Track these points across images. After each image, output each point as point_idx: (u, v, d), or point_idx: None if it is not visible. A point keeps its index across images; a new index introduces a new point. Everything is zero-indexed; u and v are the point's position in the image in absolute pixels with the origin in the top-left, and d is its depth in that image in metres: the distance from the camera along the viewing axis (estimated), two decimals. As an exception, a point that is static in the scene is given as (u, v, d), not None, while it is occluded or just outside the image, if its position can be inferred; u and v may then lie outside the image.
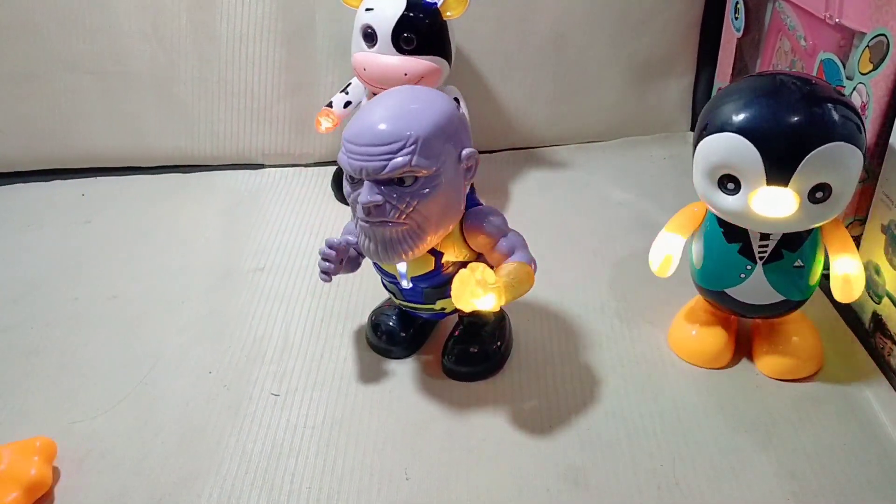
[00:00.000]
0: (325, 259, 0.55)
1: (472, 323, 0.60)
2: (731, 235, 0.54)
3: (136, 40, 0.83)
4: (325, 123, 0.77)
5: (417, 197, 0.49)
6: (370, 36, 0.71)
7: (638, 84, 0.88)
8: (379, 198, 0.49)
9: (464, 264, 0.52)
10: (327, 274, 0.56)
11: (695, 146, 0.52)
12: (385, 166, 0.48)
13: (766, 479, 0.50)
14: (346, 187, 0.51)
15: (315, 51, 0.85)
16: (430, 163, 0.49)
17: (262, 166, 0.89)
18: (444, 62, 0.73)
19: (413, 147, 0.48)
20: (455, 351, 0.59)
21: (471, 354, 0.59)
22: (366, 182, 0.49)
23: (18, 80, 0.84)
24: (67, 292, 0.70)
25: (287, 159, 0.88)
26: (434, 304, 0.57)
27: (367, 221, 0.50)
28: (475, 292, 0.48)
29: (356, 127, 0.50)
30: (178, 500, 0.50)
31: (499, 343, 0.60)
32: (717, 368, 0.59)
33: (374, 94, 0.76)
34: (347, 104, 0.78)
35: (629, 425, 0.55)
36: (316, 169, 0.88)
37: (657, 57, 0.87)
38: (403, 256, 0.51)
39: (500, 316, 0.61)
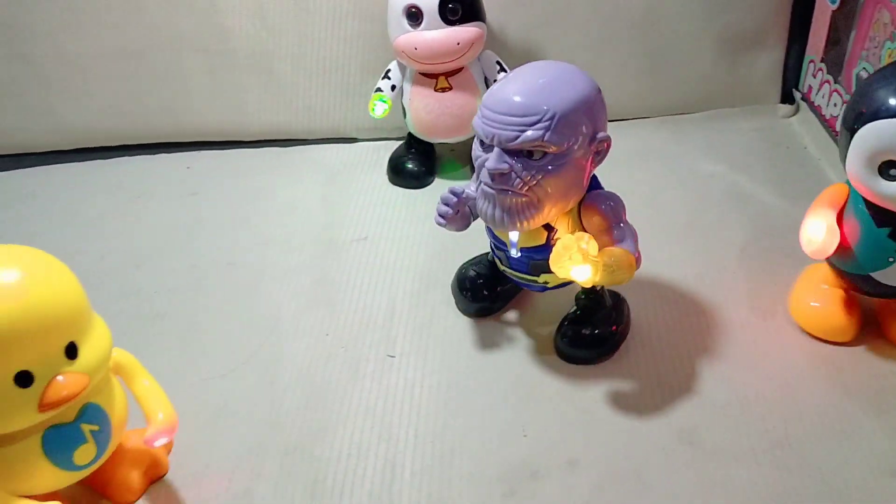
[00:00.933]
0: (444, 203, 0.57)
1: (588, 306, 0.60)
2: (881, 220, 0.54)
3: (241, 18, 0.87)
4: (379, 109, 0.79)
5: (543, 171, 0.51)
6: (414, 15, 0.74)
7: (728, 56, 0.88)
8: (505, 166, 0.50)
9: None
10: (444, 217, 0.58)
11: (850, 133, 0.52)
12: (517, 137, 0.50)
13: (876, 441, 0.52)
14: (476, 149, 0.53)
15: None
16: (561, 140, 0.50)
17: (355, 140, 0.92)
18: (484, 25, 0.77)
19: (548, 123, 0.49)
20: (569, 332, 0.60)
21: (583, 337, 0.59)
22: (496, 149, 0.51)
23: (127, 57, 0.88)
24: (185, 259, 0.74)
25: (379, 133, 0.91)
26: (538, 276, 0.58)
27: (490, 187, 0.52)
28: (575, 257, 0.49)
29: (497, 94, 0.51)
30: (313, 449, 0.54)
31: (615, 326, 0.60)
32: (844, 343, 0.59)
33: (423, 74, 0.79)
34: (393, 87, 0.81)
35: (740, 390, 0.56)
36: (407, 143, 0.91)
37: (749, 29, 0.87)
38: (518, 226, 0.53)
39: (619, 298, 0.62)
